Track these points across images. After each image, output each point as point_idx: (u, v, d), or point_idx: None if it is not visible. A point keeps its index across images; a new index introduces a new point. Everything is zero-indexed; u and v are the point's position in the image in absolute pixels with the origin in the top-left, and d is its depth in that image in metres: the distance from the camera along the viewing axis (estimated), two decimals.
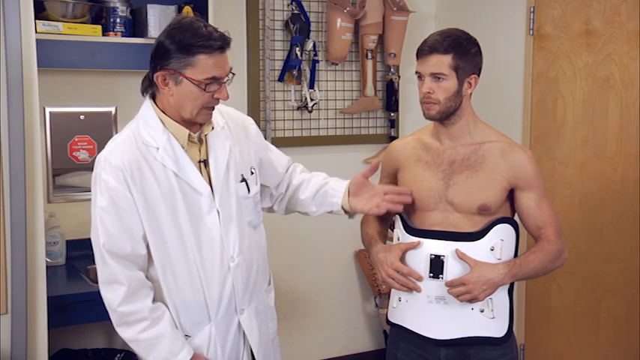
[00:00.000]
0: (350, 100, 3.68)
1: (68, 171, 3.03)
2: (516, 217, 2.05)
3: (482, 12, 3.48)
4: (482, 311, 1.97)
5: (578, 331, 3.10)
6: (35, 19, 2.24)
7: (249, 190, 1.96)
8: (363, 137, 3.73)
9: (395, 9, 3.54)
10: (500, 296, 1.98)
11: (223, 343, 1.93)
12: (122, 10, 2.87)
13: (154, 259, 1.84)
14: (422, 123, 2.13)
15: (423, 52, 1.97)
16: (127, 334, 1.84)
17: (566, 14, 3.05)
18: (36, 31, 2.20)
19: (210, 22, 2.93)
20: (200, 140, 1.89)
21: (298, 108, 3.53)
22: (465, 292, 1.90)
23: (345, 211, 2.09)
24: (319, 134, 3.61)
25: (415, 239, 1.99)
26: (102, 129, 3.06)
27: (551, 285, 3.15)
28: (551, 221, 2.01)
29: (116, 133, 3.01)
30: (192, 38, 1.74)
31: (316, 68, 3.52)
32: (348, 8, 3.43)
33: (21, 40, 2.02)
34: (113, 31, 2.86)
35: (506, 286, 1.99)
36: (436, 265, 1.95)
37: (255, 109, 3.39)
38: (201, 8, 2.96)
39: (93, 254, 1.84)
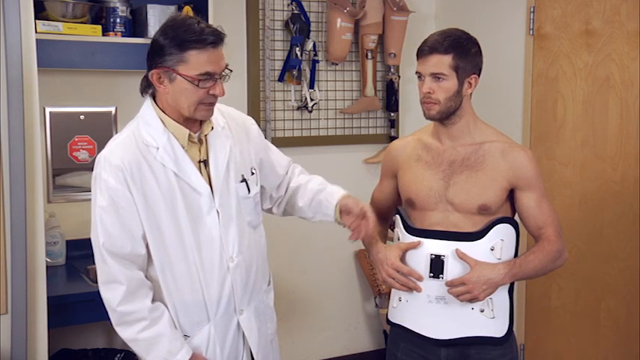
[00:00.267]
0: (350, 100, 3.68)
1: (68, 171, 3.03)
2: (516, 217, 2.05)
3: (483, 12, 3.48)
4: (482, 311, 1.97)
5: (578, 331, 3.10)
6: (35, 19, 2.24)
7: (249, 190, 1.96)
8: (363, 137, 3.73)
9: (395, 9, 3.54)
10: (501, 296, 1.99)
11: (222, 344, 1.92)
12: (122, 10, 2.87)
13: (154, 259, 1.84)
14: (422, 123, 2.13)
15: (423, 52, 1.97)
16: (126, 333, 1.84)
17: (566, 14, 3.05)
18: (36, 31, 2.20)
19: (210, 22, 2.93)
20: (200, 140, 1.89)
21: (298, 108, 3.53)
22: (465, 292, 1.90)
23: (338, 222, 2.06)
24: (319, 134, 3.61)
25: (415, 239, 1.99)
26: (102, 129, 3.06)
27: (551, 285, 3.15)
28: (552, 221, 2.01)
29: (116, 133, 3.01)
30: (184, 34, 1.75)
31: (316, 68, 3.52)
32: (348, 8, 3.43)
33: (21, 40, 2.02)
34: (113, 31, 2.86)
35: (507, 286, 1.99)
36: (436, 265, 1.95)
37: (255, 109, 3.39)
38: (201, 8, 2.96)
39: (93, 254, 1.84)
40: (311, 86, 3.52)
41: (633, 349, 2.91)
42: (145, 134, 1.84)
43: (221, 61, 1.79)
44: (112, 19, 2.86)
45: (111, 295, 1.81)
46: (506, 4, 3.33)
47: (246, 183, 1.95)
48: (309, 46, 3.46)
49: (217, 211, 1.88)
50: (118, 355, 2.90)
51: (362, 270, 3.74)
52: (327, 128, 3.64)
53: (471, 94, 2.02)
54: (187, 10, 2.90)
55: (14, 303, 2.07)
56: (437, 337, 2.00)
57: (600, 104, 2.96)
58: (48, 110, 2.94)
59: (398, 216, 2.09)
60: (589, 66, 2.99)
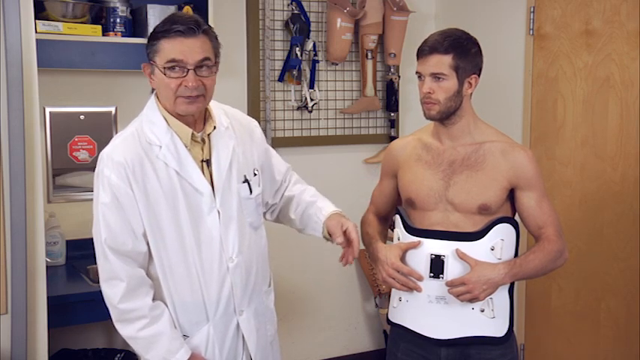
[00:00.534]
0: (350, 100, 3.68)
1: (68, 171, 3.03)
2: (517, 217, 2.05)
3: (483, 12, 3.48)
4: (482, 311, 1.97)
5: (578, 331, 3.10)
6: (35, 19, 2.24)
7: (251, 191, 1.96)
8: (363, 137, 3.73)
9: (395, 9, 3.54)
10: (501, 296, 1.98)
11: (221, 344, 1.92)
12: (122, 10, 2.87)
13: (154, 257, 1.85)
14: (422, 123, 2.13)
15: (423, 52, 1.97)
16: (126, 331, 1.84)
17: (566, 14, 3.05)
18: (36, 31, 2.20)
19: (210, 22, 2.94)
20: (203, 139, 1.89)
21: (298, 108, 3.53)
22: (466, 292, 1.90)
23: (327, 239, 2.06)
24: (319, 134, 3.61)
25: (415, 239, 1.99)
26: (102, 129, 3.05)
27: (551, 285, 3.15)
28: (552, 221, 2.01)
29: (116, 133, 3.01)
30: (160, 26, 1.79)
31: (316, 68, 3.52)
32: (348, 8, 3.43)
33: (21, 40, 2.02)
34: (113, 31, 2.86)
35: (507, 286, 1.99)
36: (436, 265, 1.95)
37: (255, 109, 3.39)
38: (202, 8, 2.96)
39: (93, 254, 1.84)
40: (311, 86, 3.52)
41: (633, 349, 2.91)
42: (148, 132, 1.84)
43: (193, 52, 1.77)
44: (112, 19, 2.86)
45: (112, 291, 1.81)
46: (506, 4, 3.33)
47: (249, 184, 1.95)
48: (309, 46, 3.46)
49: (218, 211, 1.88)
50: (118, 355, 2.90)
51: (362, 270, 3.74)
52: (327, 128, 3.64)
53: (471, 94, 2.02)
54: (187, 9, 2.90)
55: (14, 303, 2.07)
56: (437, 337, 2.00)
57: (600, 104, 2.96)
58: (48, 110, 2.93)
59: (398, 216, 2.09)
60: (589, 66, 2.99)
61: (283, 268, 3.47)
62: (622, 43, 2.87)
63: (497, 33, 3.34)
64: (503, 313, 2.00)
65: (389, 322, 2.14)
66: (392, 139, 3.52)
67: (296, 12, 3.44)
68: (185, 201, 1.84)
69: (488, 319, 1.98)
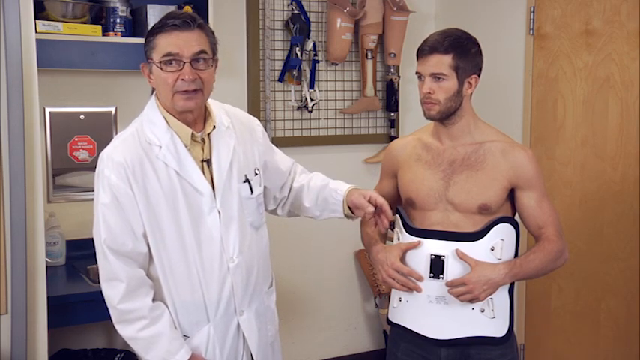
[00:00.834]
0: (350, 100, 3.68)
1: (68, 171, 3.03)
2: (517, 217, 2.05)
3: (483, 12, 3.48)
4: (482, 311, 1.97)
5: (578, 331, 3.10)
6: (35, 19, 2.24)
7: (251, 191, 1.96)
8: (363, 137, 3.73)
9: (395, 9, 3.54)
10: (501, 296, 1.98)
11: (222, 344, 1.92)
12: (122, 10, 2.87)
13: (154, 258, 1.85)
14: (422, 123, 2.13)
15: (423, 52, 1.97)
16: (126, 331, 1.84)
17: (566, 14, 3.05)
18: (36, 31, 2.19)
19: (210, 22, 2.94)
20: (203, 139, 1.89)
21: (298, 108, 3.53)
22: (466, 292, 1.90)
23: (348, 217, 2.09)
24: (319, 134, 3.61)
25: (415, 239, 1.99)
26: (102, 129, 3.05)
27: (551, 285, 3.15)
28: (552, 221, 2.01)
29: (116, 133, 3.01)
30: (156, 24, 1.81)
31: (316, 68, 3.52)
32: (348, 8, 3.43)
33: (21, 40, 2.02)
34: (113, 31, 2.86)
35: (507, 286, 1.99)
36: (436, 265, 1.95)
37: (255, 109, 3.39)
38: (201, 8, 2.96)
39: (93, 254, 1.84)
40: (311, 86, 3.52)
41: (633, 349, 2.91)
42: (148, 132, 1.84)
43: (189, 45, 1.77)
44: (112, 19, 2.86)
45: (112, 292, 1.81)
46: (506, 4, 3.33)
47: (249, 183, 1.95)
48: (309, 46, 3.46)
49: (218, 212, 1.88)
50: (118, 355, 2.90)
51: (362, 270, 3.74)
52: (327, 128, 3.64)
53: (471, 94, 2.02)
54: (187, 9, 2.90)
55: (14, 303, 2.06)
56: (437, 337, 2.00)
57: (600, 104, 2.96)
58: (48, 110, 2.93)
59: (398, 216, 2.09)
60: (589, 66, 2.99)
61: (283, 268, 3.47)
62: (622, 43, 2.87)
63: (497, 33, 3.34)
64: (503, 313, 2.00)
65: (389, 322, 2.14)
66: (392, 139, 3.52)
67: (296, 12, 3.44)
68: (185, 201, 1.84)
69: (488, 319, 1.98)
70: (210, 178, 1.89)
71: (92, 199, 1.85)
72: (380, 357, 3.70)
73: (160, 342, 1.83)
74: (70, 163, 3.01)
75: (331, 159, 3.60)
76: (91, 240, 1.85)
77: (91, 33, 2.78)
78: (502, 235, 1.98)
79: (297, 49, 3.41)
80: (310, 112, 3.54)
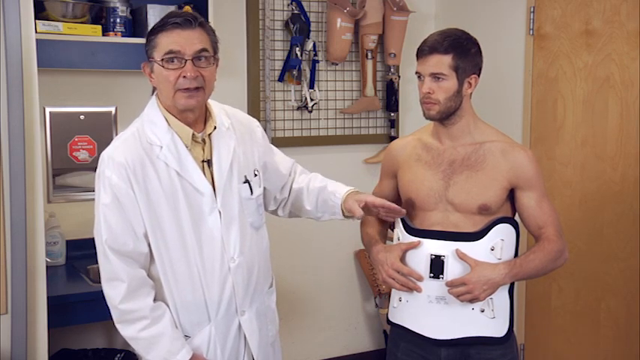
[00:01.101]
0: (350, 100, 3.68)
1: (68, 171, 3.03)
2: (517, 217, 2.05)
3: (483, 12, 3.48)
4: (482, 311, 1.97)
5: (578, 331, 3.10)
6: (35, 19, 2.24)
7: (251, 191, 1.96)
8: (363, 137, 3.73)
9: (395, 9, 3.54)
10: (501, 296, 1.98)
11: (223, 344, 1.92)
12: (122, 10, 2.87)
13: (155, 258, 1.85)
14: (422, 123, 2.13)
15: (422, 52, 1.97)
16: (127, 331, 1.84)
17: (566, 14, 3.05)
18: (36, 31, 2.20)
19: (210, 22, 2.93)
20: (204, 140, 1.89)
21: (298, 108, 3.53)
22: (466, 292, 1.90)
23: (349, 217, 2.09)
24: (319, 134, 3.61)
25: (415, 239, 1.99)
26: (102, 129, 3.05)
27: (551, 285, 3.15)
28: (552, 221, 2.01)
29: (116, 133, 3.02)
30: (157, 23, 1.81)
31: (316, 68, 3.52)
32: (348, 8, 3.43)
33: (21, 40, 2.02)
34: (113, 31, 2.86)
35: (507, 286, 1.99)
36: (436, 265, 1.95)
37: (255, 109, 3.39)
38: (201, 8, 2.96)
39: (93, 254, 1.85)
40: (311, 86, 3.52)
41: (633, 349, 2.91)
42: (149, 133, 1.84)
43: (191, 42, 1.78)
44: (112, 19, 2.86)
45: (113, 292, 1.82)
46: (506, 4, 3.33)
47: (249, 184, 1.95)
48: (309, 46, 3.46)
49: (219, 212, 1.88)
50: (118, 355, 2.90)
51: (362, 270, 3.74)
52: (327, 128, 3.64)
53: (471, 94, 2.02)
54: (187, 9, 2.90)
55: (14, 303, 2.06)
56: (437, 337, 2.00)
57: (600, 104, 2.96)
58: (48, 110, 2.93)
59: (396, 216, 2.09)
60: (589, 66, 2.99)
61: (284, 268, 3.47)
62: (622, 43, 2.87)
63: (497, 33, 3.34)
64: (503, 314, 2.00)
65: (389, 322, 2.14)
66: (392, 139, 3.52)
67: (296, 12, 3.44)
68: (186, 201, 1.84)
69: (488, 320, 1.98)
70: (211, 178, 1.89)
71: (92, 199, 1.86)
72: (380, 357, 3.70)
73: (161, 342, 1.83)
74: (70, 163, 3.01)
75: (331, 159, 3.60)
76: (91, 240, 1.85)
77: (91, 33, 2.78)
78: (502, 235, 1.98)
79: (297, 49, 3.41)
80: (310, 112, 3.54)
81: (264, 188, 2.07)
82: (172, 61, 1.78)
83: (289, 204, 2.16)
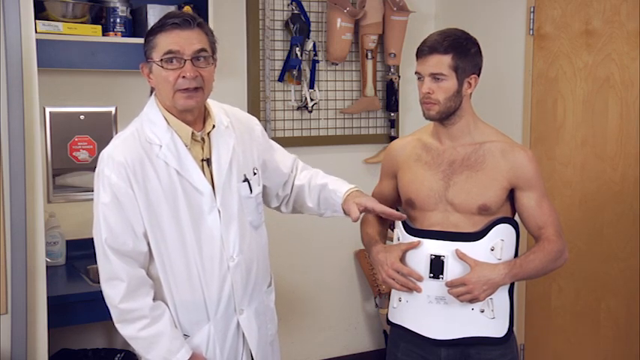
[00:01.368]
0: (350, 100, 3.68)
1: (68, 171, 3.03)
2: (517, 217, 2.05)
3: (483, 12, 3.48)
4: (482, 311, 1.97)
5: (578, 331, 3.10)
6: (35, 19, 2.24)
7: (251, 190, 1.96)
8: (363, 137, 3.73)
9: (395, 9, 3.54)
10: (501, 296, 1.98)
11: (222, 343, 1.92)
12: (122, 10, 2.87)
13: (154, 257, 1.85)
14: (422, 123, 2.13)
15: (422, 52, 1.97)
16: (127, 331, 1.84)
17: (566, 14, 3.05)
18: (36, 31, 2.20)
19: (210, 22, 2.94)
20: (203, 139, 1.89)
21: (298, 108, 3.53)
22: (466, 293, 1.90)
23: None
24: (319, 134, 3.61)
25: (415, 239, 1.99)
26: (102, 129, 3.06)
27: (551, 285, 3.15)
28: (552, 221, 2.01)
29: (116, 133, 3.01)
30: (156, 24, 1.82)
31: (316, 68, 3.52)
32: (348, 8, 3.43)
33: (21, 40, 2.02)
34: (113, 31, 2.86)
35: (507, 286, 1.99)
36: (436, 266, 1.95)
37: (255, 109, 3.39)
38: (201, 8, 2.96)
39: (93, 254, 1.84)
40: (311, 86, 3.52)
41: (633, 349, 2.91)
42: (148, 132, 1.85)
43: (190, 42, 1.78)
44: (112, 19, 2.86)
45: (112, 292, 1.82)
46: (506, 4, 3.33)
47: (249, 183, 1.96)
48: (309, 46, 3.46)
49: (219, 210, 1.88)
50: (118, 355, 2.90)
51: (362, 270, 3.74)
52: (327, 128, 3.64)
53: (471, 94, 2.02)
54: (187, 9, 2.90)
55: (14, 303, 2.06)
56: (437, 338, 2.00)
57: (600, 104, 2.96)
58: (48, 110, 2.94)
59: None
60: (589, 66, 2.99)
61: (284, 268, 3.47)
62: (622, 43, 2.87)
63: (497, 33, 3.34)
64: (503, 314, 2.00)
65: (389, 322, 2.13)
66: (392, 139, 3.52)
67: (296, 12, 3.44)
68: (185, 200, 1.84)
69: (488, 320, 1.98)
70: (210, 177, 1.89)
71: (92, 199, 1.85)
72: (380, 357, 3.70)
73: (160, 341, 1.83)
74: (70, 163, 3.01)
75: (331, 159, 3.60)
76: (91, 240, 1.85)
77: (91, 33, 2.78)
78: (502, 236, 1.97)
79: (297, 49, 3.41)
80: (310, 112, 3.54)
81: (265, 186, 2.07)
82: (171, 62, 1.78)
83: (292, 201, 2.16)
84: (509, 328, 2.01)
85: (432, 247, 1.96)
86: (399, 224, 2.07)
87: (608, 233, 2.96)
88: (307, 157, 3.13)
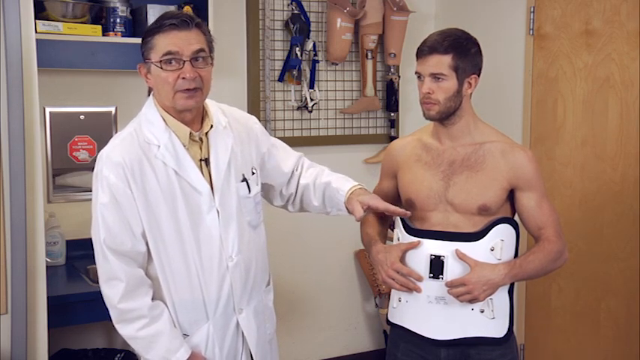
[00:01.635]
0: (350, 100, 3.68)
1: (68, 171, 3.03)
2: (516, 217, 2.05)
3: (483, 12, 3.48)
4: (482, 311, 1.97)
5: (578, 331, 3.10)
6: (35, 19, 2.24)
7: (249, 190, 1.96)
8: (363, 137, 3.73)
9: (395, 9, 3.54)
10: (501, 296, 1.98)
11: (221, 343, 1.92)
12: (122, 10, 2.87)
13: (153, 257, 1.85)
14: (422, 123, 2.13)
15: (422, 52, 1.97)
16: (126, 331, 1.84)
17: (566, 14, 3.05)
18: (36, 31, 2.20)
19: (210, 22, 2.94)
20: (201, 139, 1.89)
21: (298, 108, 3.53)
22: (465, 293, 1.90)
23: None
24: (319, 134, 3.61)
25: (415, 239, 1.99)
26: (102, 129, 3.06)
27: (551, 285, 3.15)
28: (552, 221, 2.01)
29: (116, 133, 3.01)
30: (153, 24, 1.81)
31: (316, 68, 3.52)
32: (348, 8, 3.43)
33: (21, 40, 2.02)
34: (113, 31, 2.86)
35: (507, 287, 1.99)
36: (436, 266, 1.95)
37: (255, 109, 3.39)
38: (201, 8, 2.96)
39: (93, 254, 1.84)
40: (311, 86, 3.52)
41: (633, 349, 2.91)
42: (146, 132, 1.85)
43: (188, 43, 1.78)
44: (112, 19, 2.86)
45: (111, 292, 1.82)
46: (506, 4, 3.33)
47: (247, 182, 1.95)
48: (309, 46, 3.46)
49: (217, 210, 1.88)
50: (118, 355, 2.90)
51: (362, 270, 3.74)
52: (327, 128, 3.64)
53: (471, 94, 2.02)
54: (187, 9, 2.90)
55: (14, 303, 2.06)
56: (437, 338, 2.00)
57: (600, 104, 2.96)
58: (48, 110, 2.94)
59: (398, 216, 2.09)
60: (589, 66, 2.99)
61: (283, 267, 3.47)
62: (622, 43, 2.88)
63: (497, 33, 3.34)
64: (503, 314, 2.00)
65: (389, 322, 2.13)
66: (392, 139, 3.52)
67: (296, 12, 3.44)
68: (184, 200, 1.84)
69: (488, 320, 1.98)
70: (209, 177, 1.89)
71: (92, 199, 1.85)
72: (380, 357, 3.70)
73: (159, 341, 1.83)
74: (70, 163, 3.01)
75: (331, 159, 3.57)
76: (91, 240, 1.85)
77: (91, 33, 2.78)
78: (502, 236, 1.97)
79: (297, 49, 3.41)
80: (310, 112, 3.54)
81: (268, 184, 2.07)
82: (170, 63, 1.78)
83: (297, 200, 2.14)
84: (509, 329, 2.01)
85: (432, 247, 1.96)
86: (399, 224, 2.07)
87: (608, 233, 2.96)
88: (307, 157, 3.13)
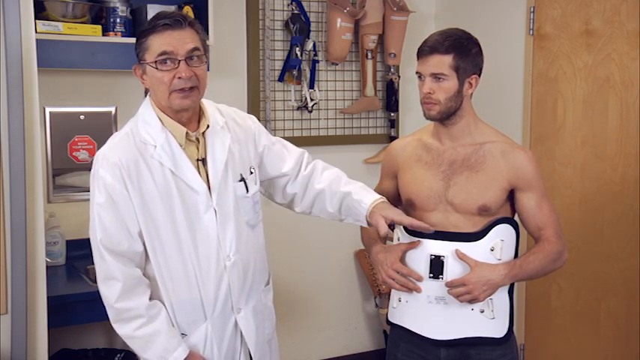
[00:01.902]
0: (350, 100, 3.68)
1: (68, 171, 3.03)
2: (516, 218, 2.05)
3: (483, 12, 3.48)
4: (482, 312, 1.97)
5: (578, 331, 3.10)
6: (35, 19, 2.24)
7: (247, 189, 1.96)
8: (363, 137, 3.73)
9: (395, 9, 3.54)
10: (501, 297, 1.98)
11: (220, 342, 1.92)
12: (122, 10, 2.87)
13: (150, 257, 1.85)
14: (422, 123, 2.13)
15: (423, 52, 1.97)
16: (123, 330, 1.85)
17: (566, 14, 3.05)
18: (36, 31, 2.19)
19: (210, 22, 2.94)
20: (198, 139, 1.89)
21: (298, 108, 3.53)
22: (465, 293, 1.90)
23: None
24: (319, 134, 3.61)
25: (415, 239, 1.99)
26: (102, 129, 3.06)
27: (551, 285, 3.15)
28: (552, 222, 2.01)
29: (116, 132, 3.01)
30: (146, 25, 1.81)
31: (316, 68, 3.52)
32: (348, 8, 3.43)
33: (21, 40, 2.02)
34: (113, 31, 2.86)
35: (507, 287, 1.99)
36: (436, 266, 1.95)
37: (255, 109, 3.39)
38: (201, 8, 2.96)
39: (92, 253, 1.84)
40: (311, 86, 3.52)
41: (633, 349, 2.91)
42: (143, 132, 1.85)
43: (183, 42, 1.78)
44: (112, 19, 2.86)
45: (108, 291, 1.82)
46: (506, 4, 3.33)
47: (245, 182, 1.95)
48: (309, 46, 3.46)
49: (215, 210, 1.88)
50: (118, 355, 2.90)
51: (362, 270, 3.74)
52: (327, 128, 3.64)
53: (472, 94, 2.02)
54: (187, 9, 2.90)
55: (14, 303, 2.06)
56: (437, 338, 2.00)
57: (600, 104, 2.96)
58: (48, 110, 2.94)
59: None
60: (589, 66, 2.99)
61: (283, 267, 3.47)
62: (622, 43, 2.88)
63: (497, 33, 3.34)
64: (503, 314, 2.00)
65: (389, 322, 2.14)
66: (392, 139, 3.52)
67: (296, 12, 3.44)
68: (181, 200, 1.84)
69: (488, 320, 1.98)
70: (206, 177, 1.89)
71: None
72: (380, 357, 3.70)
73: (157, 340, 1.83)
74: (70, 163, 3.01)
75: (331, 159, 3.54)
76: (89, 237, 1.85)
77: (91, 33, 2.78)
78: (502, 236, 1.97)
79: (297, 49, 3.41)
80: (310, 112, 3.54)
81: (268, 180, 2.06)
82: (165, 63, 1.78)
83: (307, 202, 2.10)
84: (509, 329, 2.01)
85: (432, 247, 1.96)
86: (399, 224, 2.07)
87: (608, 233, 2.96)
88: None
